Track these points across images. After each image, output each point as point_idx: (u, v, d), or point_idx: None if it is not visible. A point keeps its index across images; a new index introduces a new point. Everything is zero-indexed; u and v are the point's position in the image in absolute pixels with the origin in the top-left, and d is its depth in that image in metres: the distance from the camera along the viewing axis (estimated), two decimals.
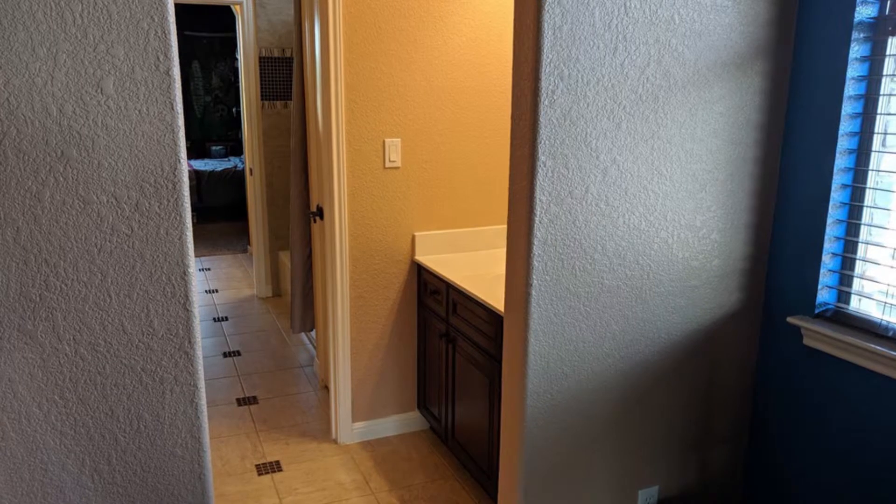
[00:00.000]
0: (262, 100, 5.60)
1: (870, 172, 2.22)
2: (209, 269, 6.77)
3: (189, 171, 8.49)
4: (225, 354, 4.68)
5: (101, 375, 1.84)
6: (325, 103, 3.15)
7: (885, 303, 2.19)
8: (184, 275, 1.85)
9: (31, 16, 1.61)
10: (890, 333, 2.16)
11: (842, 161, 2.25)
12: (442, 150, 3.34)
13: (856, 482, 2.27)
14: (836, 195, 2.27)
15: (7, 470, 1.79)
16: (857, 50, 2.17)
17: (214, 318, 5.38)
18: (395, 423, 3.58)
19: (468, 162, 3.41)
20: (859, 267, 2.28)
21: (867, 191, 2.24)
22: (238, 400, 4.00)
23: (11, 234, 1.68)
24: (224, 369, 4.43)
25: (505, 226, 3.55)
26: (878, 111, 2.17)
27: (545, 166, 2.10)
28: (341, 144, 3.16)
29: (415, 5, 3.15)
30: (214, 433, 3.62)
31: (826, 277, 2.33)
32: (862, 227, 2.25)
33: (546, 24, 2.00)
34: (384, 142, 3.23)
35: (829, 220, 2.29)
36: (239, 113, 10.19)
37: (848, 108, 2.21)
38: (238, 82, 10.01)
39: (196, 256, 7.22)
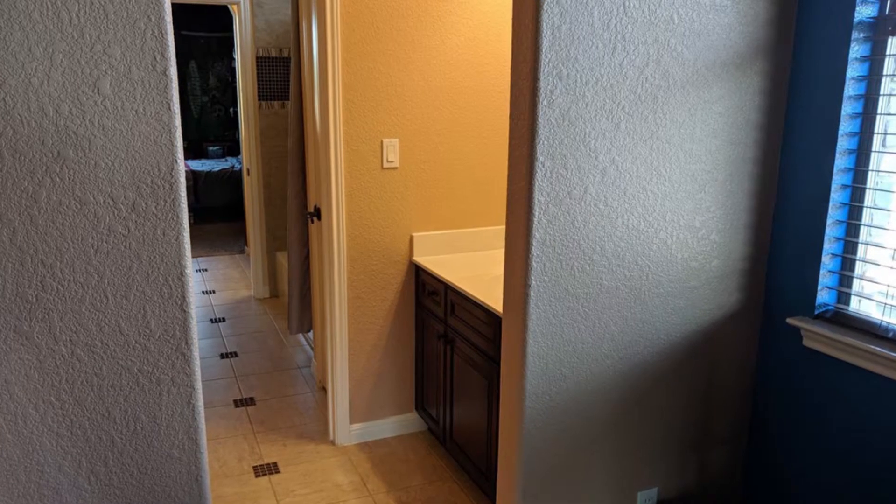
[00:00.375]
0: (259, 100, 5.59)
1: (870, 173, 2.22)
2: (206, 270, 6.75)
3: (186, 172, 8.49)
4: (222, 356, 4.66)
5: (98, 377, 1.82)
6: (323, 103, 3.15)
7: (885, 304, 2.18)
8: (181, 275, 1.84)
9: (27, 15, 1.60)
10: (890, 334, 2.16)
11: (841, 161, 2.24)
12: (440, 151, 3.34)
13: (856, 483, 2.27)
14: (836, 195, 2.27)
15: (3, 472, 1.78)
16: (857, 50, 2.16)
17: (211, 319, 5.37)
18: (393, 425, 3.57)
19: (466, 162, 3.40)
20: (859, 268, 2.27)
21: (867, 191, 2.23)
22: (235, 401, 3.99)
23: (8, 235, 1.67)
24: (221, 370, 4.42)
25: (503, 226, 3.54)
26: (878, 111, 2.17)
27: (544, 167, 2.09)
28: (339, 145, 3.15)
29: (413, 5, 3.14)
30: (211, 435, 3.61)
31: (826, 278, 2.33)
32: (862, 227, 2.25)
33: (545, 24, 1.99)
34: (382, 142, 3.22)
35: (829, 221, 2.28)
36: (236, 113, 10.18)
37: (848, 108, 2.20)
38: (235, 82, 9.99)
39: (193, 257, 7.20)
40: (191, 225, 8.47)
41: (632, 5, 2.09)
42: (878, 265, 2.21)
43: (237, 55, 5.68)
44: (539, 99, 2.04)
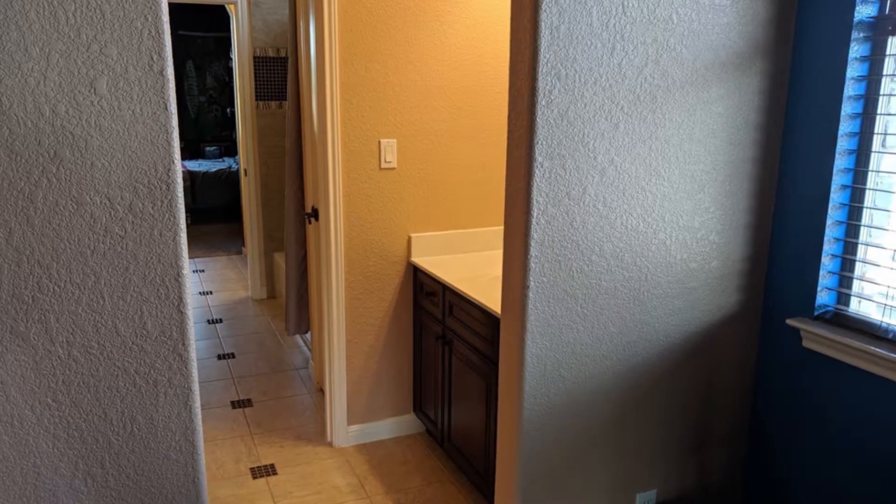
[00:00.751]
0: (256, 100, 5.58)
1: (869, 173, 2.21)
2: (203, 271, 6.74)
3: (183, 172, 8.46)
4: (219, 357, 4.65)
5: (95, 378, 1.81)
6: (321, 103, 3.14)
7: (885, 304, 2.18)
8: (178, 276, 1.83)
9: (23, 15, 1.59)
10: (890, 335, 2.15)
11: (841, 162, 2.24)
12: (438, 151, 3.33)
13: (855, 484, 2.26)
14: (836, 196, 2.26)
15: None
16: (856, 50, 2.16)
17: (209, 320, 5.35)
18: (391, 426, 3.56)
19: (465, 162, 3.39)
20: (859, 268, 2.27)
21: (867, 192, 2.23)
22: (232, 402, 3.98)
23: (4, 236, 1.66)
24: (218, 372, 4.40)
25: (502, 227, 3.53)
26: (878, 111, 2.16)
27: (542, 167, 2.08)
28: (336, 145, 3.14)
29: (411, 4, 3.13)
30: (208, 436, 3.59)
31: (825, 279, 2.32)
32: (862, 228, 2.25)
33: (543, 24, 1.99)
34: (380, 142, 3.21)
35: (829, 222, 2.28)
36: (233, 113, 10.16)
37: (848, 108, 2.20)
38: (233, 82, 9.98)
39: (190, 258, 7.19)
40: (188, 225, 8.45)
41: (631, 5, 2.08)
42: (878, 266, 2.20)
43: (234, 55, 5.66)
44: (538, 99, 2.03)
